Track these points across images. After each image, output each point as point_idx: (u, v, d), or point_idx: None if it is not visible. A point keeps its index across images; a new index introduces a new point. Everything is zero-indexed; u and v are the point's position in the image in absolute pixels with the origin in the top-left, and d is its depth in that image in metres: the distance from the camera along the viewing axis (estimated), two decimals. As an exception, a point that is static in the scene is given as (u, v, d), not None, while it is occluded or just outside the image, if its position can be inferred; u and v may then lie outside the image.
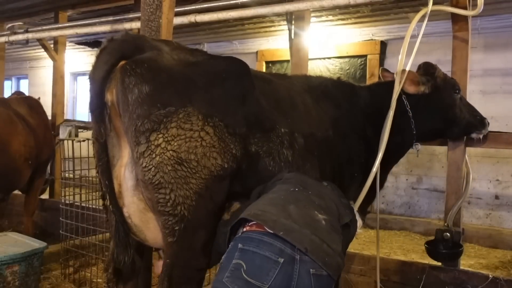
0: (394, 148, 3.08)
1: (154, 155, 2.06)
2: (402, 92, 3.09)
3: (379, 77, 3.49)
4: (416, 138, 3.16)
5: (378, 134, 3.05)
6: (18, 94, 5.82)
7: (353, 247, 5.03)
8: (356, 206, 2.89)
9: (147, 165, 2.07)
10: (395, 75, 3.18)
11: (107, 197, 2.27)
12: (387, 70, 3.51)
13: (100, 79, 2.13)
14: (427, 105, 3.11)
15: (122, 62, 2.13)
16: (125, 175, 2.23)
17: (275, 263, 1.76)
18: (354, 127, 3.01)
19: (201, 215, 2.16)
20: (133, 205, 2.26)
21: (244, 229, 1.92)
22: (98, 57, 2.18)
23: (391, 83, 3.13)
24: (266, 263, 1.77)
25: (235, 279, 1.76)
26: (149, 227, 2.29)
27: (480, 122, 3.31)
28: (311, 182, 2.25)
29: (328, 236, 1.90)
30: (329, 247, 1.85)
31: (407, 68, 3.13)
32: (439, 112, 3.16)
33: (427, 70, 3.21)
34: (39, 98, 5.66)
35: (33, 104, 5.26)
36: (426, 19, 3.23)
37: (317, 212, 1.97)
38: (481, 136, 3.40)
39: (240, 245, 1.84)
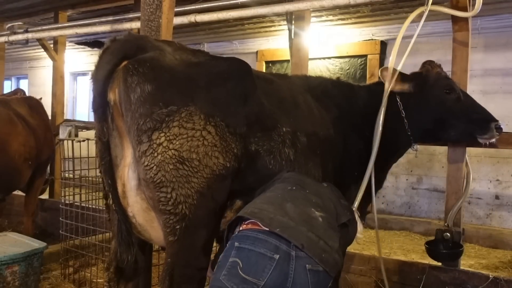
0: (390, 148, 3.09)
1: (156, 154, 2.07)
2: (395, 92, 3.09)
3: (379, 77, 3.49)
4: (413, 139, 3.14)
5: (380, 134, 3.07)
6: (17, 91, 5.78)
7: (353, 247, 5.03)
8: (355, 204, 2.89)
9: (149, 163, 2.08)
10: (378, 74, 3.18)
11: (110, 196, 2.28)
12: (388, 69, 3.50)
13: (102, 79, 2.15)
14: (416, 105, 3.08)
15: (125, 62, 2.14)
16: (128, 175, 2.24)
17: (270, 260, 1.79)
18: (354, 127, 3.03)
19: (202, 214, 2.17)
20: (136, 205, 2.27)
21: (241, 228, 1.94)
22: (100, 57, 2.20)
23: None
24: (261, 260, 1.79)
25: (231, 277, 1.78)
26: (153, 226, 2.30)
27: (480, 125, 3.04)
28: (309, 182, 2.27)
29: (325, 233, 1.93)
30: (325, 243, 1.89)
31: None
32: (427, 113, 3.08)
33: (421, 68, 3.22)
34: (40, 98, 5.65)
35: (34, 104, 5.25)
36: (424, 18, 3.22)
37: (314, 209, 2.01)
38: (488, 142, 3.11)
39: (236, 244, 1.86)
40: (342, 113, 3.00)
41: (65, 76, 7.09)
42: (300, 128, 2.60)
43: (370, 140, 3.04)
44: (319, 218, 1.97)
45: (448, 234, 3.56)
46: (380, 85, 3.24)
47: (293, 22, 4.55)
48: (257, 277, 1.76)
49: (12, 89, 11.61)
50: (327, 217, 2.01)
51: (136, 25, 5.00)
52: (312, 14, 5.37)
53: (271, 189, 2.16)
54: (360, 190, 2.96)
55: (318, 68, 8.14)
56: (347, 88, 3.22)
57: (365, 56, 7.70)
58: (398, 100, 3.09)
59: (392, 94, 3.09)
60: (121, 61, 2.15)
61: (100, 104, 2.19)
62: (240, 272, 1.78)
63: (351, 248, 4.62)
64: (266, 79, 2.72)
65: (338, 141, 2.87)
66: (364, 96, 3.20)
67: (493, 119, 3.06)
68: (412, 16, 3.24)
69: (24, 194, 5.28)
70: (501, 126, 3.04)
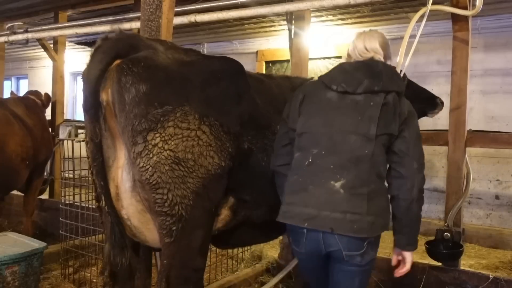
0: None
1: (151, 155, 2.06)
2: None
3: None
4: None
5: None
6: (32, 93, 5.77)
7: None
8: None
9: (144, 165, 2.06)
10: None
11: (102, 198, 2.25)
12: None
13: (94, 79, 2.11)
14: None
15: (118, 61, 2.12)
16: (122, 177, 2.21)
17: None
18: None
19: (198, 214, 2.16)
20: (131, 207, 2.25)
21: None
22: (92, 56, 2.16)
23: None
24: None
25: None
26: (149, 228, 2.28)
27: (430, 104, 3.46)
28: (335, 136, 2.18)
29: (349, 204, 2.04)
30: (353, 214, 2.02)
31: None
32: None
33: None
34: (47, 94, 5.65)
35: (31, 104, 5.24)
36: (425, 18, 3.23)
37: (333, 182, 2.07)
38: (435, 115, 3.55)
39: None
40: None
41: (65, 76, 7.08)
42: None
43: None
44: (340, 190, 2.05)
45: (448, 234, 3.56)
46: None
47: (293, 22, 4.55)
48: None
49: (12, 89, 11.53)
50: (348, 184, 2.06)
51: (136, 25, 4.99)
52: (312, 14, 5.37)
53: (294, 170, 2.21)
54: None
55: (318, 68, 8.12)
56: None
57: (365, 56, 7.69)
58: None
59: None
60: (113, 60, 2.12)
61: (92, 104, 2.15)
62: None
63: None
64: (257, 78, 2.74)
65: None
66: None
67: (435, 96, 3.50)
68: (417, 16, 3.26)
69: (23, 194, 5.27)
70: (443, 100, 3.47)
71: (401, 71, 3.11)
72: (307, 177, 2.13)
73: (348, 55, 2.40)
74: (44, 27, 6.33)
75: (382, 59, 2.30)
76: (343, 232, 2.02)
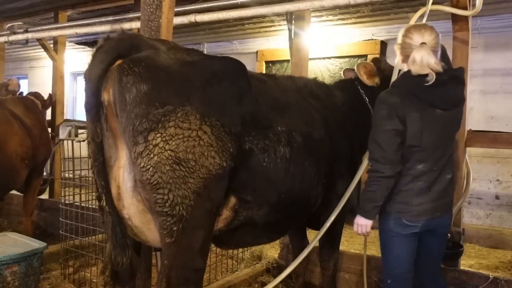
0: (365, 141, 3.18)
1: (152, 155, 2.06)
2: (360, 87, 3.36)
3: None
4: None
5: (356, 131, 3.20)
6: (31, 93, 5.78)
7: (353, 247, 5.03)
8: (345, 197, 2.98)
9: (145, 165, 2.06)
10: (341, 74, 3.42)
11: (103, 198, 2.25)
12: (350, 70, 3.68)
13: (96, 78, 2.12)
14: None
15: (119, 61, 2.12)
16: (123, 177, 2.21)
17: None
18: (338, 126, 3.11)
19: (199, 214, 2.16)
20: (132, 207, 2.25)
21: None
22: (94, 56, 2.17)
23: (352, 80, 3.45)
24: None
25: None
26: (150, 228, 2.28)
27: None
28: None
29: (450, 189, 2.71)
30: (450, 195, 2.74)
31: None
32: None
33: (375, 64, 3.42)
34: (50, 94, 5.68)
35: (29, 104, 5.24)
36: (425, 18, 3.23)
37: (448, 175, 2.65)
38: None
39: None
40: (328, 113, 3.07)
41: (65, 76, 7.08)
42: (295, 127, 2.63)
43: (352, 137, 3.19)
44: (447, 182, 2.65)
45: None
46: (346, 82, 3.51)
47: (293, 22, 4.55)
48: None
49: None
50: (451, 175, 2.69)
51: (136, 25, 4.99)
52: (312, 14, 5.37)
53: (417, 177, 2.61)
54: (353, 180, 3.03)
55: (318, 68, 8.12)
56: (326, 88, 3.34)
57: (365, 56, 7.67)
58: (363, 95, 3.34)
59: (357, 90, 3.36)
60: (115, 60, 2.12)
61: (94, 104, 2.15)
62: None
63: (351, 248, 4.62)
64: (259, 79, 2.74)
65: (328, 140, 2.93)
66: (339, 95, 3.33)
67: None
68: (416, 16, 3.26)
69: (22, 194, 5.28)
70: None
71: (399, 71, 3.11)
72: (432, 181, 2.62)
73: (409, 63, 2.60)
74: (44, 27, 6.33)
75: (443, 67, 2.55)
76: (450, 209, 2.77)
